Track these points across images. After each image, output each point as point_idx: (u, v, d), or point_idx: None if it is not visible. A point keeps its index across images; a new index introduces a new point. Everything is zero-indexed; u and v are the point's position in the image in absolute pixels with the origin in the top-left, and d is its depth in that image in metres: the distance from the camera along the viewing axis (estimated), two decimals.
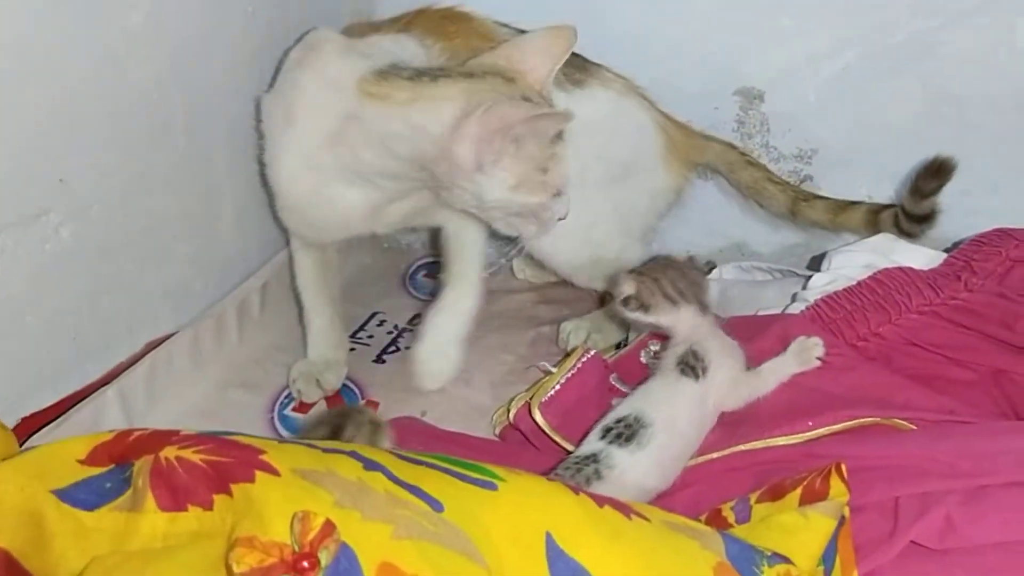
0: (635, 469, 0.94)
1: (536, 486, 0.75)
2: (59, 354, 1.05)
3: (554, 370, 1.13)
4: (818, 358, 1.00)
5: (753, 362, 1.02)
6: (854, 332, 1.04)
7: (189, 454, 0.67)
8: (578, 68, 1.27)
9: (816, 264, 1.18)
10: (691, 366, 0.99)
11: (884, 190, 1.50)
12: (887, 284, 1.05)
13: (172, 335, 1.21)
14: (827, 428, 0.92)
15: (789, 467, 0.88)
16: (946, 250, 1.14)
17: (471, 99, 0.99)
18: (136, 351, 1.15)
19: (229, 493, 0.66)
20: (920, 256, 1.11)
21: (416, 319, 1.48)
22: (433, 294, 1.53)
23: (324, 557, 0.61)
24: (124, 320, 1.13)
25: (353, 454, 0.71)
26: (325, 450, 0.71)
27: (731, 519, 0.85)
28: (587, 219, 1.25)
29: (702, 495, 0.92)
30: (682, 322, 1.03)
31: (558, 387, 1.09)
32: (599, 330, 1.38)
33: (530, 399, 1.10)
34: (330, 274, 1.33)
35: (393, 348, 1.42)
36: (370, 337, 1.44)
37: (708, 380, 0.99)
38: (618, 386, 1.14)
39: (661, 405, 0.98)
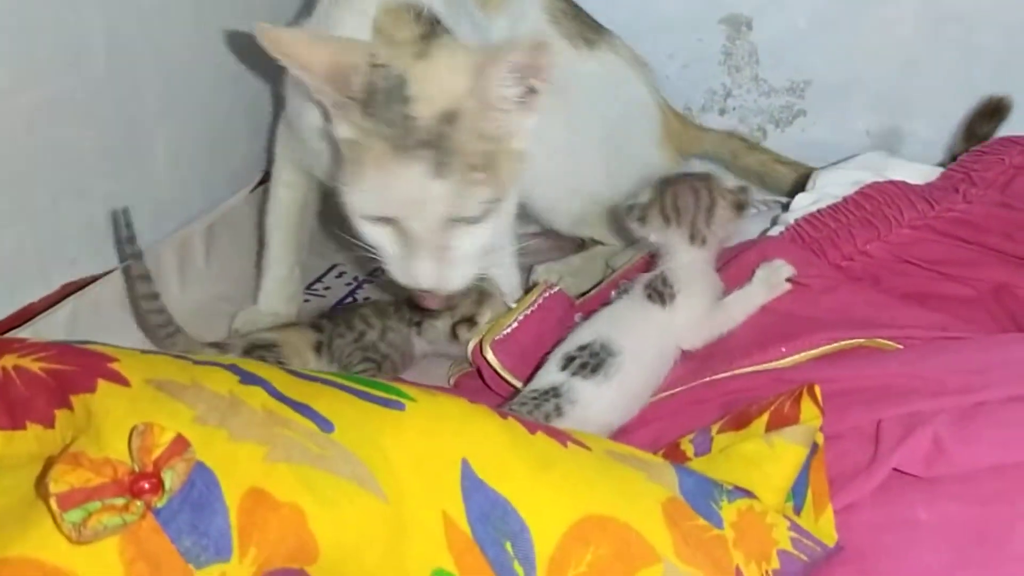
0: (599, 402, 0.84)
1: (453, 408, 0.64)
2: None
3: (513, 304, 1.03)
4: (789, 280, 0.89)
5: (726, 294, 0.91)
6: (838, 251, 0.93)
7: (29, 363, 0.57)
8: (591, 29, 1.24)
9: (801, 187, 1.07)
10: (658, 291, 0.89)
11: (882, 122, 1.40)
12: (876, 199, 0.94)
13: (96, 278, 1.11)
14: (803, 354, 0.81)
15: (758, 395, 0.77)
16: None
17: None
18: (50, 292, 1.05)
19: (70, 407, 0.55)
20: (915, 171, 1.00)
21: (378, 271, 1.38)
22: None
23: (170, 478, 0.50)
24: (33, 259, 1.03)
25: (232, 367, 0.61)
26: (197, 362, 0.61)
27: (689, 452, 0.74)
28: (579, 172, 1.21)
29: (663, 431, 0.82)
30: (670, 242, 0.92)
31: (515, 325, 0.99)
32: (574, 274, 1.27)
33: (482, 337, 0.99)
34: (305, 220, 1.20)
35: (350, 299, 1.32)
36: (327, 289, 1.35)
37: (674, 309, 0.89)
38: None
39: (630, 332, 0.87)
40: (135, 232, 0.97)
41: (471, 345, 1.02)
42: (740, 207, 0.91)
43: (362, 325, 1.06)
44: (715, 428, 0.74)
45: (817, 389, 0.70)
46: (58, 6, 1.00)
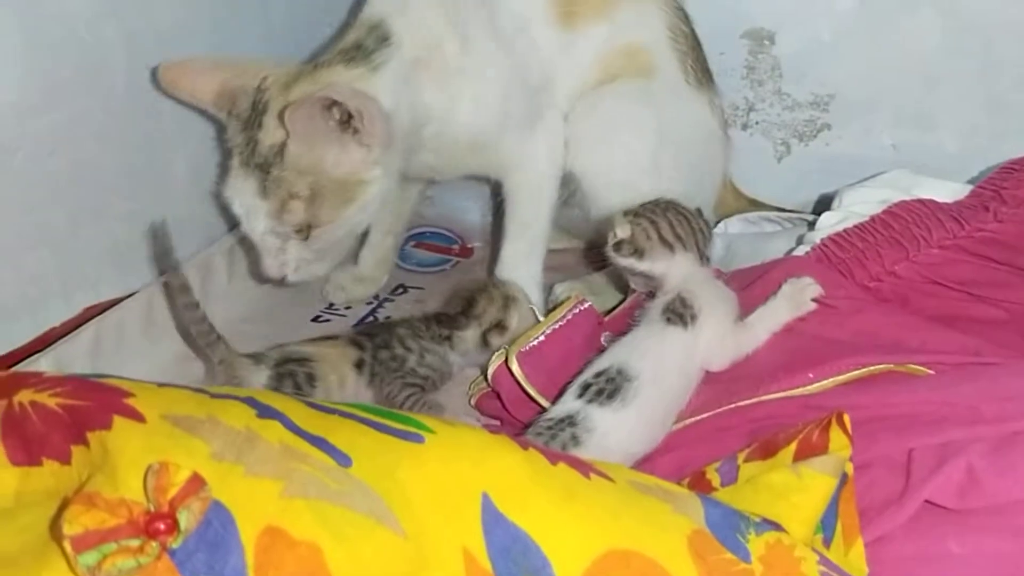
0: (619, 431, 0.82)
1: (472, 439, 0.63)
2: None
3: (541, 318, 1.01)
4: (814, 299, 0.87)
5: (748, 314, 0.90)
6: (865, 272, 0.91)
7: (45, 398, 0.57)
8: (704, 72, 1.26)
9: (827, 206, 1.05)
10: (678, 313, 0.87)
11: (907, 136, 1.37)
12: (904, 218, 0.92)
13: (119, 301, 1.11)
14: (831, 379, 0.79)
15: (786, 422, 0.75)
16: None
17: None
18: (72, 316, 1.05)
19: (86, 443, 0.55)
20: (943, 189, 0.97)
21: (399, 289, 1.38)
22: (422, 264, 1.45)
23: (185, 518, 0.50)
24: (55, 281, 1.03)
25: (249, 400, 0.60)
26: (214, 395, 0.60)
27: (715, 482, 0.72)
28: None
29: (687, 459, 0.80)
30: (675, 269, 0.91)
31: (542, 337, 0.97)
32: (597, 293, 1.26)
33: (508, 349, 0.97)
34: (403, 203, 1.32)
35: (371, 319, 1.31)
36: (347, 308, 1.34)
37: (697, 329, 0.87)
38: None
39: (647, 355, 0.86)
40: (171, 244, 1.00)
41: (493, 366, 1.01)
42: (709, 225, 0.96)
43: (400, 349, 1.05)
44: (742, 457, 0.73)
45: (846, 417, 0.68)
46: (77, 26, 1.00)
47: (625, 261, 0.92)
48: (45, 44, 0.96)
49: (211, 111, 1.06)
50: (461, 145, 1.13)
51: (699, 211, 0.97)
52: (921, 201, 0.94)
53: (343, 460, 0.58)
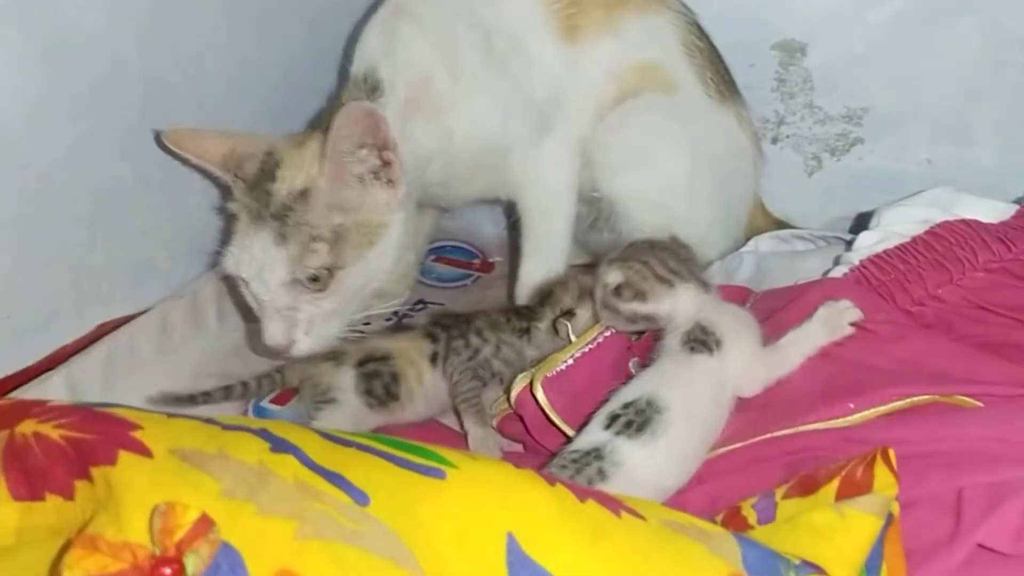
0: (648, 465, 0.78)
1: (497, 474, 0.60)
2: None
3: (573, 337, 0.97)
4: (853, 324, 0.83)
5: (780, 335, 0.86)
6: (907, 296, 0.87)
7: (48, 429, 0.54)
8: (727, 85, 1.24)
9: (864, 227, 1.01)
10: (701, 341, 0.84)
11: (943, 151, 1.33)
12: (947, 239, 0.88)
13: (132, 317, 1.08)
14: (872, 410, 0.75)
15: (825, 456, 0.71)
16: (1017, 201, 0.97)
17: None
18: (85, 333, 1.02)
19: (90, 478, 0.52)
20: (987, 208, 0.93)
21: (420, 305, 1.35)
22: (442, 280, 1.42)
23: (192, 563, 0.47)
24: (68, 297, 1.01)
25: (263, 433, 0.57)
26: (225, 427, 0.57)
27: (752, 519, 0.69)
28: (685, 210, 1.17)
29: (720, 492, 0.76)
30: (681, 304, 0.89)
31: (570, 361, 0.93)
32: None
33: (534, 374, 0.94)
34: (424, 219, 1.30)
35: None
36: (366, 324, 1.30)
37: (724, 353, 0.84)
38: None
39: (677, 385, 0.82)
40: None
41: (516, 389, 0.98)
42: (692, 251, 0.95)
43: (477, 340, 1.03)
44: (779, 493, 0.69)
45: (891, 453, 0.64)
46: (94, 40, 0.98)
47: (628, 306, 0.90)
48: (62, 57, 0.94)
49: (216, 172, 1.03)
50: (465, 172, 1.11)
51: (674, 239, 0.95)
52: (965, 221, 0.90)
53: (360, 498, 0.54)
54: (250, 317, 1.07)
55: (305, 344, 0.99)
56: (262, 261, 0.97)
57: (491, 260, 1.48)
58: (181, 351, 1.14)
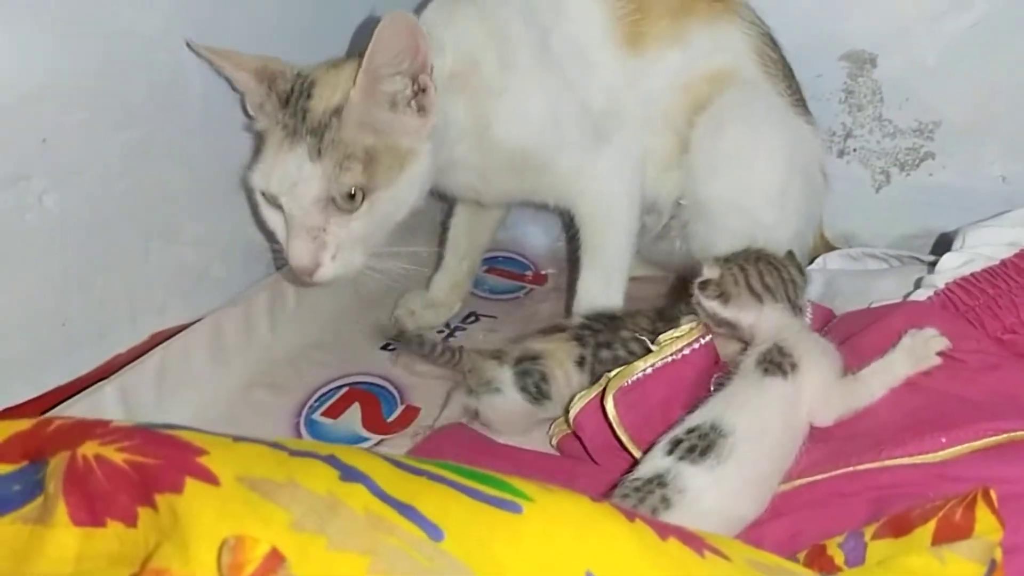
0: (714, 491, 0.75)
1: (575, 509, 0.57)
2: (43, 341, 0.91)
3: (654, 347, 0.91)
4: (940, 354, 0.79)
5: (861, 362, 0.82)
6: (999, 323, 0.82)
7: (111, 452, 0.51)
8: (801, 101, 1.21)
9: (944, 248, 0.96)
10: (776, 363, 0.81)
11: (1018, 168, 1.28)
12: None
13: (186, 326, 1.06)
14: (965, 445, 0.71)
15: (915, 494, 0.67)
16: None
17: None
18: (139, 342, 1.01)
19: (154, 506, 0.49)
20: None
21: (471, 318, 1.32)
22: (494, 292, 1.39)
23: None
24: (123, 306, 0.99)
25: (331, 459, 0.54)
26: (293, 453, 0.54)
27: (839, 559, 0.65)
28: (773, 214, 1.13)
29: (800, 527, 0.72)
30: (765, 322, 0.86)
31: (649, 371, 0.88)
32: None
33: (606, 385, 0.90)
34: (480, 228, 1.30)
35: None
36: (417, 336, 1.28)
37: (799, 378, 0.80)
38: None
39: (744, 409, 0.79)
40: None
41: (576, 408, 0.95)
42: (802, 273, 0.92)
43: (623, 351, 1.01)
44: (868, 532, 0.65)
45: (993, 494, 0.60)
46: (151, 45, 0.96)
47: (709, 303, 0.88)
48: (119, 62, 0.93)
49: (251, 83, 1.00)
50: (501, 166, 1.09)
51: (791, 256, 0.92)
52: None
53: (434, 532, 0.51)
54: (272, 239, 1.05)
55: (329, 269, 0.97)
56: (296, 177, 0.95)
57: (543, 272, 1.46)
58: (234, 361, 1.12)
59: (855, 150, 1.37)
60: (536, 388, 1.00)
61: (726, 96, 1.11)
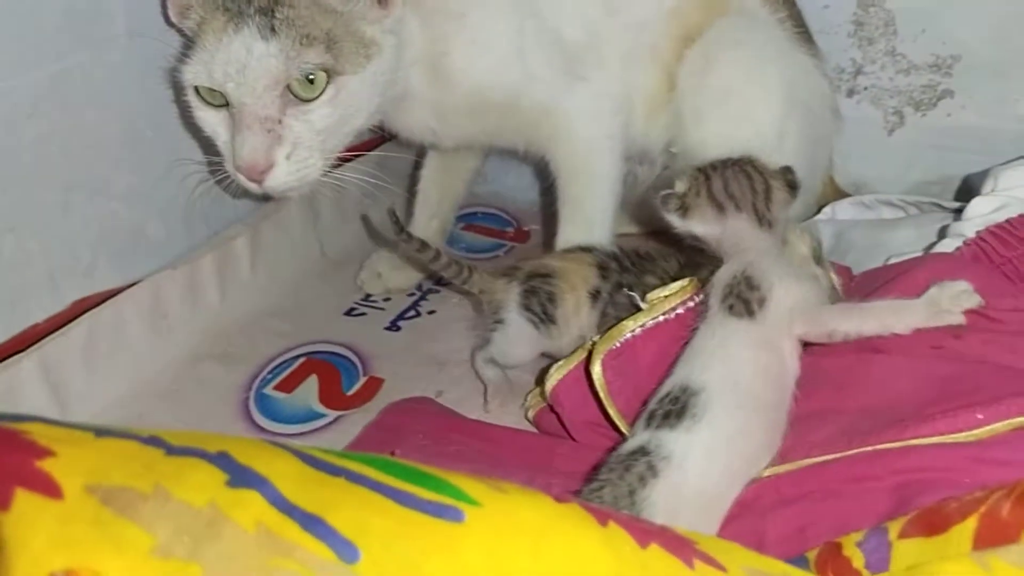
0: (697, 451, 0.67)
1: (533, 514, 0.46)
2: None
3: (644, 305, 0.81)
4: (972, 312, 0.67)
5: None
6: None
7: None
8: (811, 40, 1.12)
9: (968, 193, 0.85)
10: (744, 299, 0.72)
11: None
12: None
13: (118, 292, 0.95)
14: (1007, 422, 0.60)
15: (949, 480, 0.57)
16: None
17: None
18: (61, 310, 0.90)
19: None
20: None
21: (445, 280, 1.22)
22: (472, 250, 1.29)
23: None
24: (39, 268, 0.88)
25: (220, 457, 0.43)
26: (172, 450, 0.43)
27: (857, 561, 0.54)
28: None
29: (809, 518, 0.62)
30: (729, 236, 0.77)
31: (638, 331, 0.78)
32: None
33: (593, 346, 0.80)
34: (452, 179, 1.20)
35: (412, 313, 1.16)
36: (386, 300, 1.18)
37: (769, 313, 0.71)
38: None
39: (712, 361, 0.71)
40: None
41: (552, 380, 0.84)
42: (793, 187, 0.80)
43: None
44: (894, 530, 0.54)
45: None
46: None
47: (670, 216, 0.79)
48: None
49: None
50: (459, 103, 0.99)
51: (785, 170, 0.80)
52: None
53: (347, 552, 0.40)
54: (210, 150, 0.93)
55: (283, 170, 0.86)
56: (244, 60, 0.83)
57: (526, 228, 1.38)
58: (177, 330, 1.03)
59: (866, 88, 1.27)
60: (541, 308, 0.93)
61: (718, 26, 1.00)
